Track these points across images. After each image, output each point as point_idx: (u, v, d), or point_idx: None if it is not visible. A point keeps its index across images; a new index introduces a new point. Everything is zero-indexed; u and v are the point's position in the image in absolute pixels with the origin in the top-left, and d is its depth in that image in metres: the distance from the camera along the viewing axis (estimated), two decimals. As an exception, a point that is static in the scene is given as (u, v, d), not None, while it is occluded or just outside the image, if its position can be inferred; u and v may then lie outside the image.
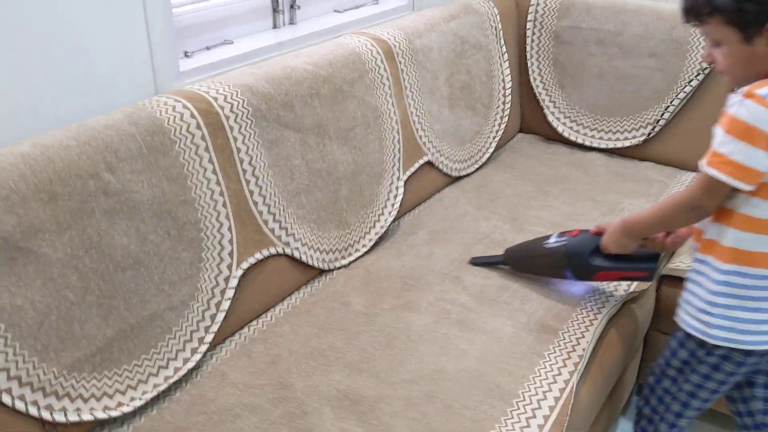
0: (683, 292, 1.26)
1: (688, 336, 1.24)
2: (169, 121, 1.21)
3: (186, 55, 1.47)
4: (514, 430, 1.11)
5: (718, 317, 1.18)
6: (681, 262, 1.58)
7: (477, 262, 1.55)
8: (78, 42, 1.18)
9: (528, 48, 2.18)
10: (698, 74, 1.93)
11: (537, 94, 2.19)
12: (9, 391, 0.99)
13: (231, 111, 1.31)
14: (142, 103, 1.23)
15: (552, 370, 1.24)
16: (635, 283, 1.47)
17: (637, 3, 2.05)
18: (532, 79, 2.19)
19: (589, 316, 1.38)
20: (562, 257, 1.39)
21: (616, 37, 2.04)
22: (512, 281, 1.48)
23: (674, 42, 1.97)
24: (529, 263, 1.48)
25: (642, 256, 1.34)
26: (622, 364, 1.44)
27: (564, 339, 1.31)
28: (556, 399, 1.18)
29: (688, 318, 1.24)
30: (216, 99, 1.30)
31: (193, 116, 1.25)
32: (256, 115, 1.35)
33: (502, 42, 2.09)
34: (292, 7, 1.73)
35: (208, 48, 1.52)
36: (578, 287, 1.46)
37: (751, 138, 1.06)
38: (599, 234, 1.35)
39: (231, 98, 1.32)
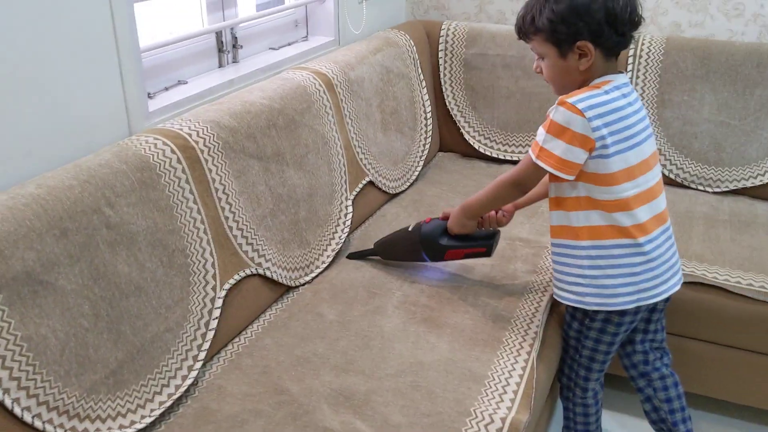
0: (553, 273, 1.48)
1: (575, 309, 1.47)
2: (153, 158, 1.31)
3: (149, 96, 1.56)
4: (491, 405, 1.27)
5: (589, 287, 1.40)
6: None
7: (353, 256, 1.75)
8: (62, 90, 1.26)
9: (441, 75, 2.40)
10: (593, 90, 2.20)
11: (453, 116, 2.40)
12: (39, 416, 1.06)
13: (204, 145, 1.42)
14: (125, 142, 1.32)
15: (512, 352, 1.41)
16: None
17: (535, 30, 2.31)
18: (447, 103, 2.40)
19: (533, 304, 1.57)
20: (418, 242, 1.60)
21: (519, 61, 2.29)
22: (461, 282, 1.65)
23: (570, 63, 2.23)
24: (394, 251, 1.69)
25: (481, 236, 1.57)
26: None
27: (516, 325, 1.50)
28: (521, 376, 1.36)
29: (564, 293, 1.45)
30: (190, 135, 1.41)
31: (173, 152, 1.35)
32: (225, 147, 1.47)
33: (420, 70, 2.29)
34: (234, 46, 1.85)
35: (166, 89, 1.62)
36: (437, 272, 1.67)
37: (566, 137, 1.29)
38: (446, 218, 1.57)
39: (202, 133, 1.43)
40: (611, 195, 1.34)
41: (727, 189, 2.10)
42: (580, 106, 1.29)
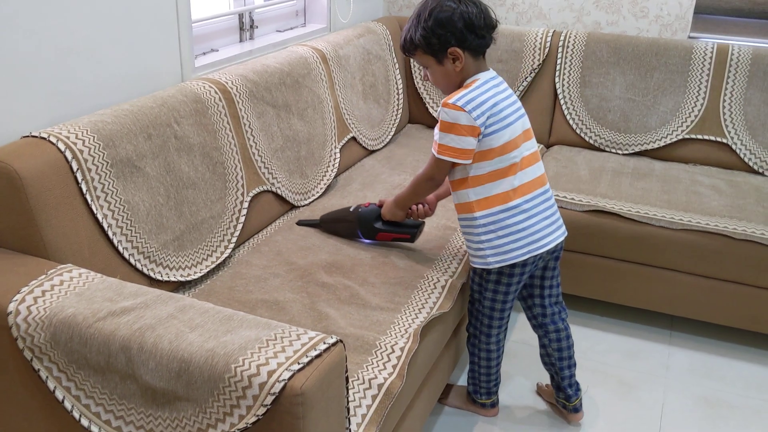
0: (464, 243, 1.80)
1: (475, 270, 1.76)
2: (203, 95, 1.84)
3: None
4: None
5: (488, 249, 1.66)
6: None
7: (302, 223, 2.04)
8: (142, 45, 1.79)
9: (411, 60, 2.95)
10: (531, 73, 2.78)
11: (420, 94, 2.95)
12: (133, 255, 1.57)
13: (237, 91, 1.95)
14: (184, 84, 1.84)
15: (440, 270, 1.96)
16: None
17: (487, 26, 2.88)
18: (415, 82, 2.95)
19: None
20: (356, 222, 1.91)
21: (474, 50, 2.85)
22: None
23: (513, 51, 2.80)
24: (335, 227, 1.98)
25: (408, 224, 1.88)
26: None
27: (447, 252, 2.03)
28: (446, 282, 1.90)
29: (474, 259, 1.71)
30: (227, 83, 1.94)
31: (216, 93, 1.88)
32: (250, 95, 2.00)
33: (394, 54, 2.84)
34: (251, 27, 2.39)
35: (204, 53, 2.15)
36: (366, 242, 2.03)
37: (456, 130, 1.55)
38: (381, 205, 1.87)
39: (235, 83, 1.96)
40: (492, 167, 1.59)
41: (633, 151, 2.68)
42: (459, 103, 1.54)
